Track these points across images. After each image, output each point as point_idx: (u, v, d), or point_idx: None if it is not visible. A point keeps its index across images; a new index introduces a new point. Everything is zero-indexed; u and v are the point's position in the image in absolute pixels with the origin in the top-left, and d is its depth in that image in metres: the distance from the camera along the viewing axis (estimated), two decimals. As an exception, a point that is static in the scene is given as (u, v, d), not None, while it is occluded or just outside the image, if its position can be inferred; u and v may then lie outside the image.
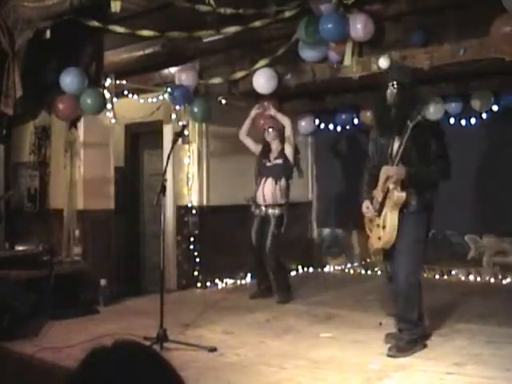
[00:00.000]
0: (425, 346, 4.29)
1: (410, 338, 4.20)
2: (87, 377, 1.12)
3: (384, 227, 4.18)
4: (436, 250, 7.60)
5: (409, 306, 4.23)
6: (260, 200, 6.25)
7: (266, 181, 6.25)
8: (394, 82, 4.20)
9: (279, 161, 6.31)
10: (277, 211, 6.19)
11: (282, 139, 6.38)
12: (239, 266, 7.09)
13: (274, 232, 6.16)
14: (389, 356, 4.08)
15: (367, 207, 4.35)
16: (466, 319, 5.12)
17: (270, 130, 6.37)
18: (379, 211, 4.23)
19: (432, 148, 4.17)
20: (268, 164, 6.33)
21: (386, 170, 4.17)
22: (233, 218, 7.07)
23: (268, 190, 6.21)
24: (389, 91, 4.22)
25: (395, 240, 4.17)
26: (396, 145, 4.16)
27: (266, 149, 6.43)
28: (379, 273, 7.81)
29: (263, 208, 6.24)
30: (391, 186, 4.11)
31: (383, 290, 4.74)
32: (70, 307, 5.61)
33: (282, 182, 6.28)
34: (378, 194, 4.26)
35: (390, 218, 4.15)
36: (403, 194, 4.11)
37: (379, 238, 4.24)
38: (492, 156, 7.15)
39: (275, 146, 6.40)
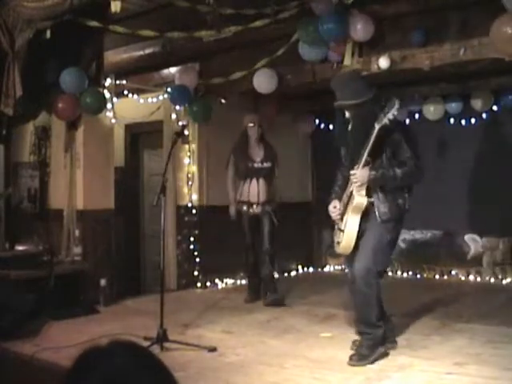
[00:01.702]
0: (387, 355, 4.06)
1: (370, 343, 4.01)
2: (80, 377, 1.11)
3: (343, 231, 4.04)
4: (436, 250, 7.62)
5: (366, 306, 4.04)
6: (253, 198, 6.10)
7: (257, 180, 6.11)
8: (343, 104, 4.04)
9: (268, 164, 6.17)
10: (271, 207, 6.12)
11: (261, 137, 6.26)
12: (239, 265, 7.09)
13: (270, 230, 6.09)
14: (349, 365, 3.91)
15: (334, 207, 4.20)
16: (465, 319, 5.12)
17: (251, 124, 6.19)
18: (342, 215, 4.10)
19: (400, 151, 3.96)
20: (256, 166, 6.14)
21: (352, 171, 4.00)
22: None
23: (261, 188, 6.11)
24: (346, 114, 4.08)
25: (355, 245, 4.01)
26: (362, 148, 3.94)
27: (244, 148, 6.19)
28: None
29: (256, 206, 6.11)
30: (354, 190, 3.95)
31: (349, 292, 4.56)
32: (70, 307, 5.61)
33: (272, 182, 6.21)
34: (344, 197, 4.13)
35: (350, 222, 3.99)
36: (364, 200, 3.94)
37: (338, 243, 4.11)
38: (492, 156, 7.15)
39: (256, 145, 6.21)
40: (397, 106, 3.76)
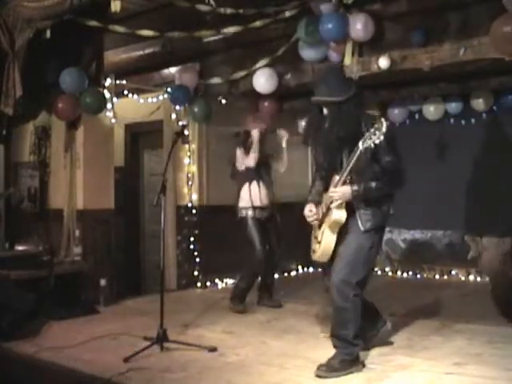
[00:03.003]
0: (363, 367, 3.86)
1: (343, 358, 3.77)
2: None
3: (319, 243, 3.89)
4: (436, 250, 7.62)
5: (342, 321, 3.81)
6: (260, 202, 5.86)
7: (259, 182, 5.89)
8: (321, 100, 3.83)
9: (264, 160, 5.96)
10: (274, 210, 5.98)
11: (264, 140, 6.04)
12: (239, 265, 7.08)
13: (278, 232, 5.99)
14: (317, 376, 3.70)
15: (310, 210, 4.03)
16: (465, 319, 5.12)
17: (260, 132, 5.93)
18: (319, 224, 3.93)
19: (380, 159, 3.75)
20: (259, 166, 5.90)
21: (332, 189, 3.78)
22: (233, 218, 7.06)
23: (265, 191, 5.90)
24: (324, 110, 3.86)
25: (331, 257, 3.86)
26: (344, 160, 3.75)
27: (246, 151, 5.93)
28: (379, 272, 7.82)
29: (263, 210, 5.88)
30: (332, 205, 3.75)
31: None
32: (70, 307, 5.61)
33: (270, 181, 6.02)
34: (323, 205, 3.92)
35: (326, 236, 3.83)
36: (343, 215, 3.74)
37: (314, 251, 3.99)
38: (492, 156, 7.15)
39: (254, 148, 5.91)
40: (384, 130, 3.51)
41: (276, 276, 6.32)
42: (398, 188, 3.88)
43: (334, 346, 3.90)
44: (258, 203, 5.86)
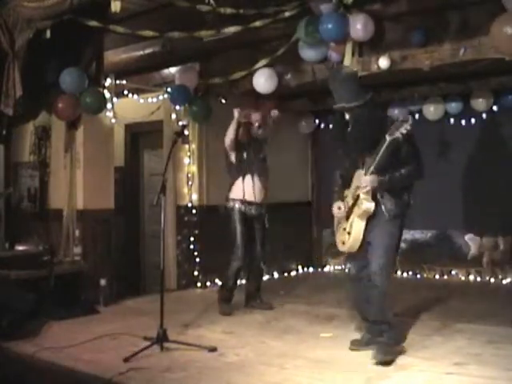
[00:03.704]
0: (404, 352, 4.15)
1: (389, 342, 4.10)
2: None
3: (349, 233, 4.13)
4: (436, 250, 7.62)
5: (382, 305, 4.12)
6: (252, 197, 5.70)
7: (253, 177, 5.72)
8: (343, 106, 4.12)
9: (262, 155, 5.87)
10: (265, 210, 5.84)
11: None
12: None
13: (264, 234, 5.84)
14: (377, 363, 3.93)
15: (339, 208, 4.28)
16: (466, 319, 5.12)
17: (262, 129, 5.85)
18: (347, 215, 4.18)
19: (403, 152, 4.07)
20: (254, 159, 5.77)
21: (358, 177, 4.10)
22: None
23: (259, 187, 5.75)
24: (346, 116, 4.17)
25: (360, 245, 4.11)
26: (368, 158, 4.06)
27: (247, 142, 5.79)
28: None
29: (253, 206, 5.73)
30: (362, 196, 4.04)
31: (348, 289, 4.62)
32: (70, 307, 5.61)
33: (267, 179, 5.88)
34: (348, 197, 4.21)
35: (356, 225, 4.09)
36: (372, 205, 4.04)
37: (343, 243, 4.19)
38: (492, 156, 7.15)
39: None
40: (410, 121, 3.92)
41: (268, 277, 6.25)
42: (418, 179, 4.17)
43: (380, 332, 4.15)
44: (250, 198, 5.69)
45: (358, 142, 4.11)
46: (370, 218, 4.10)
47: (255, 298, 5.89)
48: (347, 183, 4.23)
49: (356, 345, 4.33)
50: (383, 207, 4.08)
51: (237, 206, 5.70)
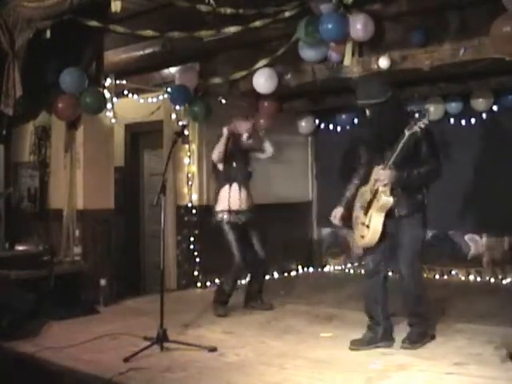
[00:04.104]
0: (433, 338, 4.47)
1: (419, 331, 4.38)
2: None
3: (368, 227, 4.23)
4: (436, 250, 7.61)
5: (419, 301, 4.37)
6: (238, 206, 5.67)
7: (240, 186, 5.70)
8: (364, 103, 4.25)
9: (250, 169, 5.86)
10: (254, 214, 5.79)
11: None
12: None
13: (260, 236, 5.80)
14: (403, 348, 4.26)
15: (334, 216, 4.54)
16: (466, 319, 5.12)
17: (251, 138, 5.84)
18: (366, 210, 4.27)
19: (422, 150, 4.20)
20: (242, 169, 5.76)
21: (377, 172, 4.21)
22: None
23: (245, 195, 5.72)
24: (367, 113, 4.30)
25: (379, 240, 4.23)
26: (387, 154, 4.17)
27: (235, 152, 5.77)
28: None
29: (241, 214, 5.69)
30: (380, 189, 4.15)
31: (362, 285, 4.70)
32: (70, 307, 5.61)
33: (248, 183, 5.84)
34: (366, 193, 4.30)
35: (375, 219, 4.19)
36: (390, 199, 4.15)
37: (362, 237, 4.29)
38: (492, 156, 7.15)
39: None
40: (428, 116, 4.09)
41: (267, 277, 6.23)
42: (435, 179, 4.29)
43: (410, 325, 4.41)
44: (236, 207, 5.67)
45: (378, 138, 4.25)
46: (389, 215, 4.19)
47: (256, 298, 5.88)
48: (364, 182, 4.36)
49: (356, 344, 4.35)
50: (396, 206, 4.20)
51: (225, 217, 5.69)
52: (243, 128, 5.79)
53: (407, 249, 4.28)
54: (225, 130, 5.71)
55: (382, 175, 4.14)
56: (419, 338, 4.35)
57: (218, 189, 5.80)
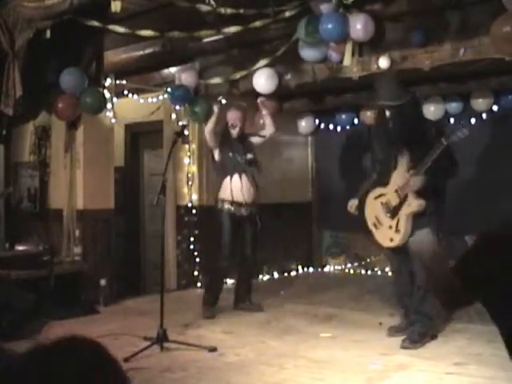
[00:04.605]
0: (433, 338, 4.51)
1: (420, 331, 4.42)
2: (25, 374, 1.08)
3: (398, 231, 4.34)
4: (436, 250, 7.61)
5: (424, 299, 4.41)
6: (241, 198, 5.57)
7: (241, 177, 5.59)
8: (384, 104, 4.43)
9: (250, 155, 5.70)
10: (256, 210, 5.70)
11: (244, 131, 5.81)
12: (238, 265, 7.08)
13: (255, 235, 5.72)
14: (403, 348, 4.30)
15: (350, 207, 4.76)
16: (465, 319, 5.11)
17: (237, 129, 5.73)
18: (393, 214, 4.38)
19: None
20: (240, 159, 5.65)
21: (400, 177, 4.32)
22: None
23: (248, 187, 5.61)
24: (387, 113, 4.44)
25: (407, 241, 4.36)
26: (404, 156, 4.32)
27: (231, 141, 5.72)
28: (379, 273, 7.82)
29: (243, 207, 5.60)
30: (411, 195, 4.28)
31: (391, 285, 4.87)
32: (69, 307, 5.61)
33: (255, 177, 5.75)
34: (391, 197, 4.41)
35: (406, 223, 4.32)
36: (423, 202, 4.29)
37: (392, 240, 4.42)
38: (492, 156, 7.15)
39: (239, 138, 5.73)
40: (466, 132, 4.13)
41: (267, 277, 6.24)
42: (452, 177, 4.47)
43: (412, 322, 4.48)
44: (238, 198, 5.57)
45: (397, 139, 4.36)
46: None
47: (244, 300, 5.82)
48: (381, 181, 4.49)
49: (393, 331, 4.58)
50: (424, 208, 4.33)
51: (226, 206, 5.64)
52: (229, 117, 5.79)
53: (423, 245, 4.32)
54: (215, 108, 5.74)
55: (412, 182, 4.24)
56: (420, 337, 4.38)
57: (220, 181, 5.75)
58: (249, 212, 5.67)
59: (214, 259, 5.74)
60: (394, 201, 4.37)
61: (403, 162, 4.39)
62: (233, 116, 5.78)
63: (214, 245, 6.01)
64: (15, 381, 1.07)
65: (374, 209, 4.52)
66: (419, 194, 4.31)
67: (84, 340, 1.13)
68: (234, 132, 5.76)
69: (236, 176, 5.62)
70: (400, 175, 4.33)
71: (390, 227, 4.38)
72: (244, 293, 5.84)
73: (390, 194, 4.39)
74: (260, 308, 5.77)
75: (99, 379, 1.07)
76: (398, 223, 4.33)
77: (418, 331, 4.41)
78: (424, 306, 4.42)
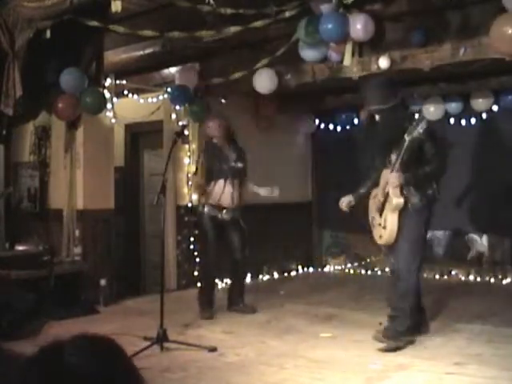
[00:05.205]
0: (412, 342, 4.39)
1: (398, 329, 4.35)
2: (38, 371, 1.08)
3: (385, 228, 4.41)
4: (436, 250, 7.61)
5: (404, 297, 4.38)
6: (226, 202, 5.60)
7: (229, 182, 5.60)
8: (371, 109, 4.50)
9: (240, 164, 5.69)
10: (238, 213, 5.69)
11: (229, 140, 5.74)
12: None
13: (243, 239, 5.68)
14: (374, 338, 4.37)
15: (342, 202, 4.81)
16: (466, 319, 5.12)
17: (218, 139, 5.70)
18: (380, 211, 4.47)
19: (426, 149, 4.35)
20: (225, 166, 5.63)
21: (385, 175, 4.41)
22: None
23: (235, 192, 5.62)
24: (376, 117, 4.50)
25: (396, 237, 4.38)
26: (393, 156, 4.36)
27: (218, 150, 5.72)
28: (379, 273, 7.83)
29: (226, 211, 5.61)
30: (390, 192, 4.33)
31: (386, 283, 4.85)
32: (69, 307, 5.61)
33: (240, 184, 5.73)
34: (379, 194, 4.49)
35: (391, 220, 4.38)
36: (401, 201, 4.34)
37: (380, 237, 4.48)
38: (492, 156, 7.15)
39: (225, 148, 5.71)
40: (426, 121, 4.20)
41: (267, 277, 6.23)
42: (440, 176, 4.49)
43: (390, 317, 4.45)
44: (219, 202, 5.60)
45: (386, 141, 4.43)
46: (400, 212, 4.36)
47: (237, 302, 5.79)
48: (377, 182, 4.54)
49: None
50: (409, 202, 4.36)
51: (206, 209, 5.66)
52: (207, 129, 5.85)
53: (406, 241, 4.38)
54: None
55: (390, 179, 4.31)
56: (396, 334, 4.34)
57: (207, 185, 5.73)
58: (231, 215, 5.64)
59: (200, 263, 5.82)
60: (381, 197, 4.46)
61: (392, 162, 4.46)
62: (210, 127, 5.78)
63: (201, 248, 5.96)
64: (26, 380, 1.07)
65: (371, 209, 4.61)
66: (402, 191, 4.34)
67: (97, 337, 1.13)
68: (216, 141, 5.74)
69: (221, 181, 5.61)
70: (384, 174, 4.43)
71: (380, 225, 4.47)
72: (236, 295, 5.82)
73: (379, 193, 4.49)
74: (253, 309, 5.74)
75: (113, 377, 1.07)
76: (385, 220, 4.41)
77: (396, 329, 4.38)
78: (404, 303, 4.38)
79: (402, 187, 4.35)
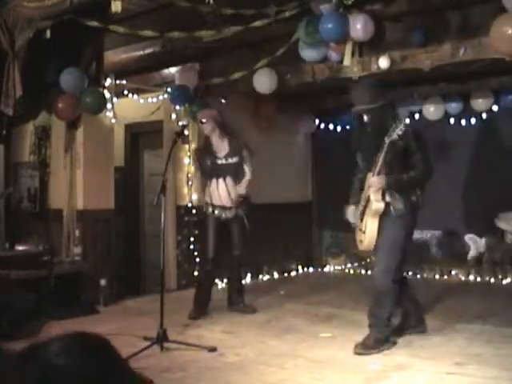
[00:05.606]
0: (395, 343, 4.37)
1: (377, 337, 4.27)
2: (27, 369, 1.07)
3: (364, 232, 4.32)
4: (436, 250, 7.61)
5: (380, 303, 4.31)
6: (221, 201, 5.56)
7: (222, 180, 5.54)
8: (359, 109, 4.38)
9: (235, 159, 5.57)
10: (242, 211, 5.61)
11: (222, 131, 5.60)
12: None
13: (243, 235, 5.64)
14: (355, 353, 4.18)
15: (348, 216, 4.59)
16: (465, 319, 5.12)
17: (208, 126, 5.60)
18: (361, 216, 4.37)
19: (411, 154, 4.24)
20: (220, 162, 5.57)
21: (368, 179, 4.31)
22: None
23: (229, 191, 5.54)
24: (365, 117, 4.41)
25: (376, 243, 4.29)
26: (377, 158, 4.26)
27: (208, 145, 5.68)
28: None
29: (228, 210, 5.57)
30: (371, 196, 4.23)
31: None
32: (69, 307, 5.60)
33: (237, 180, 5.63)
34: (362, 199, 4.40)
35: (370, 225, 4.27)
36: (381, 205, 4.21)
37: (361, 241, 4.40)
38: (492, 156, 7.15)
39: (218, 141, 5.61)
40: (403, 123, 4.11)
41: (267, 277, 6.22)
42: (425, 182, 4.35)
43: (369, 325, 4.33)
44: (217, 202, 5.58)
45: (370, 144, 4.33)
46: (382, 217, 4.25)
47: (238, 302, 5.78)
48: (362, 185, 4.44)
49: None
50: (391, 207, 4.24)
51: (210, 209, 5.64)
52: (200, 115, 5.75)
53: (384, 246, 4.27)
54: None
55: (371, 182, 4.22)
56: (375, 343, 4.23)
57: (205, 184, 5.72)
58: (234, 214, 5.61)
59: (200, 262, 5.75)
60: (363, 203, 4.36)
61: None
62: (203, 114, 5.71)
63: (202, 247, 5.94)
64: (15, 379, 1.06)
65: (355, 213, 4.51)
66: (384, 195, 4.22)
67: (93, 337, 1.12)
68: (206, 130, 5.63)
69: (214, 181, 5.59)
70: (368, 178, 4.32)
71: (360, 229, 4.39)
72: (236, 294, 5.81)
73: (362, 197, 4.40)
74: (253, 309, 5.73)
75: (104, 378, 1.06)
76: (365, 225, 4.31)
77: (375, 337, 4.26)
78: (381, 309, 4.28)
79: (384, 191, 4.22)
